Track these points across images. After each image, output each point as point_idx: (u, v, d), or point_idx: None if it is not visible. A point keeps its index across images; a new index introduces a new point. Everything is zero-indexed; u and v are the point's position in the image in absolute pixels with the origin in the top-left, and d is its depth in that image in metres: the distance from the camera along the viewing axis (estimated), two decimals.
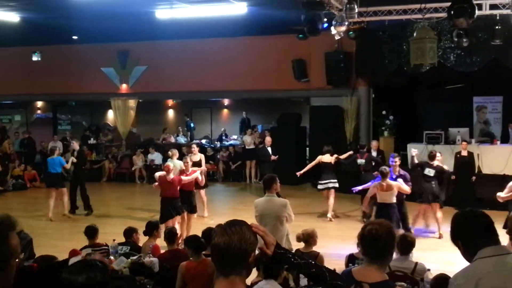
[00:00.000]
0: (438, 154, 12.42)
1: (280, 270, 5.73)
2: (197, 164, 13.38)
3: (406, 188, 10.35)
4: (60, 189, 14.44)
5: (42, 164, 22.19)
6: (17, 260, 2.49)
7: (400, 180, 10.80)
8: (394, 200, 10.13)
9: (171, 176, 11.25)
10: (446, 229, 11.51)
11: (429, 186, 11.74)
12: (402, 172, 11.18)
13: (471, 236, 3.32)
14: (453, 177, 14.10)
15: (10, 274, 2.43)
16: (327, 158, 13.74)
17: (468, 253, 3.33)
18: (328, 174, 13.64)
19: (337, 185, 13.63)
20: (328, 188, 13.59)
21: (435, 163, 12.13)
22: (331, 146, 14.06)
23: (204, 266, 6.47)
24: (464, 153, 14.33)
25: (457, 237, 3.38)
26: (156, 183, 11.43)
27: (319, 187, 13.81)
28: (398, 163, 11.24)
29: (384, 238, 3.35)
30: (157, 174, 11.65)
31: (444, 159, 15.05)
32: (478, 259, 3.23)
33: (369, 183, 11.16)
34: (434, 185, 11.87)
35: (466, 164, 14.36)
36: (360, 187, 11.80)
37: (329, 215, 13.64)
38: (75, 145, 15.40)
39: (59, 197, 14.42)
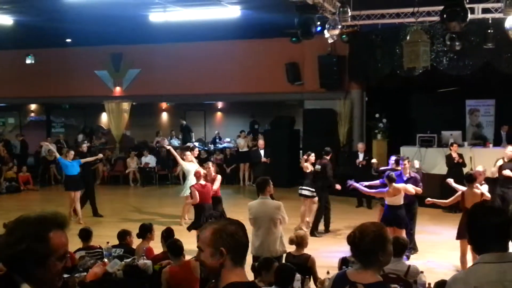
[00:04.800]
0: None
1: (291, 277, 5.80)
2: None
3: (412, 190, 10.21)
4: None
5: (35, 166, 22.21)
6: (64, 262, 2.41)
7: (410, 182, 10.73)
8: (402, 201, 10.02)
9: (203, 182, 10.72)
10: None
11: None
12: (412, 174, 10.96)
13: (479, 233, 3.17)
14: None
15: (52, 273, 2.36)
16: None
17: (475, 251, 3.21)
18: None
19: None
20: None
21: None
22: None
23: (187, 269, 6.49)
24: (454, 154, 14.38)
25: (468, 231, 3.25)
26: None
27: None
28: (407, 165, 10.99)
29: (368, 240, 3.35)
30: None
31: (438, 162, 15.19)
32: (479, 263, 3.11)
33: (373, 191, 10.96)
34: None
35: (457, 165, 14.37)
36: (357, 185, 11.40)
37: None
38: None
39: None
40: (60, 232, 2.39)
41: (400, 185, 10.12)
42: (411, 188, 10.23)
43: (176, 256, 6.64)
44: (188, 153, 13.72)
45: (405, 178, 10.71)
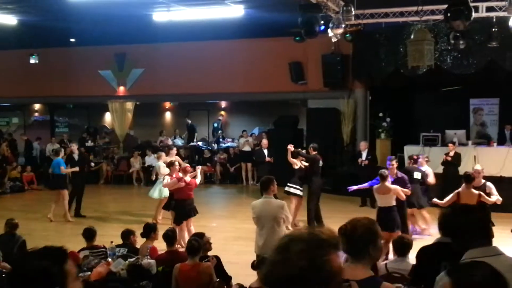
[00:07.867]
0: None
1: None
2: None
3: (402, 195, 10.05)
4: (61, 191, 14.23)
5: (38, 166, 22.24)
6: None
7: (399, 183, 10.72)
8: (394, 203, 9.87)
9: (188, 178, 11.15)
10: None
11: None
12: (400, 174, 10.83)
13: (461, 232, 3.21)
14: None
15: None
16: None
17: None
18: None
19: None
20: None
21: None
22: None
23: (197, 271, 6.48)
24: (451, 153, 14.30)
25: (446, 234, 3.31)
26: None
27: None
28: (395, 165, 10.85)
29: (358, 234, 3.35)
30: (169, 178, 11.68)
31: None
32: (465, 260, 3.11)
33: (366, 184, 11.05)
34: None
35: (451, 164, 14.27)
36: (355, 187, 11.65)
37: None
38: (74, 148, 15.41)
39: (60, 200, 14.28)
40: (337, 255, 2.11)
41: (392, 186, 9.95)
42: (401, 193, 10.05)
43: (190, 254, 6.65)
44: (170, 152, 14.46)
45: (392, 179, 10.52)
